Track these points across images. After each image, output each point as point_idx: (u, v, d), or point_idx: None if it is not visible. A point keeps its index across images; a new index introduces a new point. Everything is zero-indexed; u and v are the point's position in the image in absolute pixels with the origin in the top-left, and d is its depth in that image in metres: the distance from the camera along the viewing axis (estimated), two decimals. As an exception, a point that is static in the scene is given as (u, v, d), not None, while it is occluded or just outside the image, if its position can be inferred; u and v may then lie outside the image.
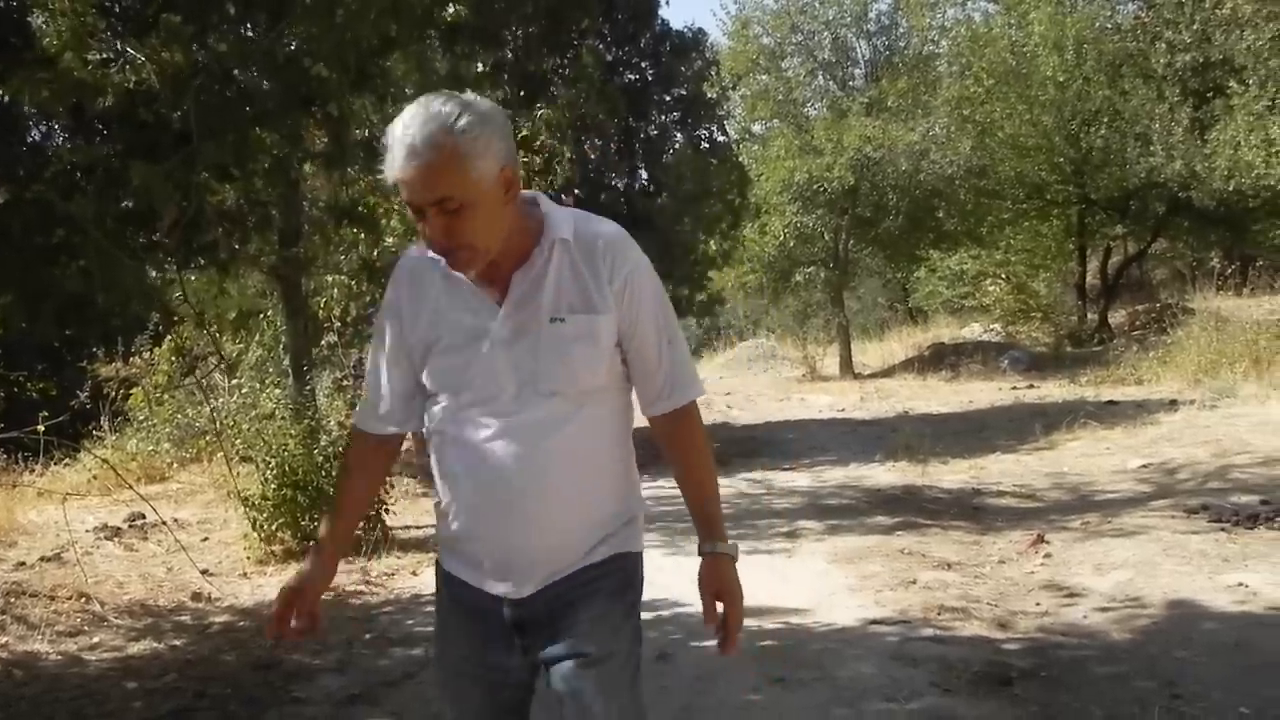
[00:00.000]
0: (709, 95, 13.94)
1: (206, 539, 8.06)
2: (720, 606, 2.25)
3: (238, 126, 4.22)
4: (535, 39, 11.57)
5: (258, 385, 9.40)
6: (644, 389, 2.24)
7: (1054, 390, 15.80)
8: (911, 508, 8.30)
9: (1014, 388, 16.94)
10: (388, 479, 8.20)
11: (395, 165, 1.96)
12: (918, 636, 5.04)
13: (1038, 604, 5.49)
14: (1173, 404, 11.94)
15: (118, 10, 4.76)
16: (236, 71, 4.45)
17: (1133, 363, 15.86)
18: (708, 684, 4.53)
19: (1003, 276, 24.96)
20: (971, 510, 8.12)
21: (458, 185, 1.95)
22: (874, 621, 5.32)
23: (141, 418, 11.68)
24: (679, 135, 13.19)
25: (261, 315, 10.03)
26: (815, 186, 21.63)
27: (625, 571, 2.25)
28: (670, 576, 6.24)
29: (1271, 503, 7.08)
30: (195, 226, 5.10)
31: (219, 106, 4.16)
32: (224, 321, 10.27)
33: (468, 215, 1.98)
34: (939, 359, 21.96)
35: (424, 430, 2.28)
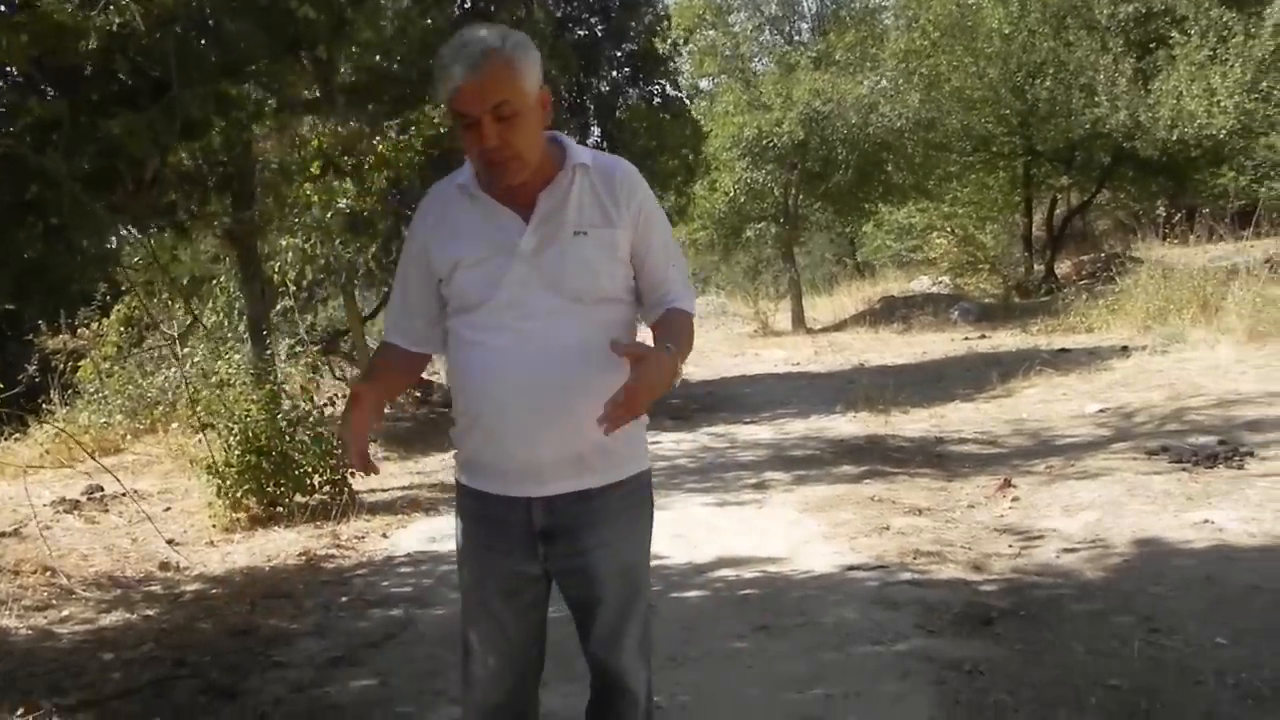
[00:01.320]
0: (660, 50, 13.85)
1: (169, 509, 7.95)
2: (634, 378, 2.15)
3: (224, 73, 4.11)
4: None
5: (215, 352, 9.23)
6: (648, 299, 2.42)
7: (1006, 340, 15.97)
8: (876, 456, 8.37)
9: (966, 338, 17.09)
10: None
11: (455, 78, 2.14)
12: (896, 581, 5.09)
13: (1010, 546, 5.56)
14: (1124, 350, 12.11)
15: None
16: (213, 17, 4.32)
17: (1082, 311, 16.04)
18: (692, 633, 4.55)
19: (950, 229, 25.15)
20: (936, 458, 8.20)
21: (512, 91, 2.16)
22: (851, 567, 5.36)
23: (92, 390, 11.46)
24: (631, 91, 13.11)
25: (214, 281, 9.85)
26: (764, 142, 21.61)
27: (644, 488, 2.49)
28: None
29: (1228, 443, 7.20)
30: (154, 187, 4.98)
31: (199, 54, 4.05)
32: (176, 287, 10.11)
33: (519, 124, 2.18)
34: (890, 312, 22.09)
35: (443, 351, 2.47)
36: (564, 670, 3.41)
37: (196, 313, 10.37)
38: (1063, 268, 23.46)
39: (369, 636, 4.91)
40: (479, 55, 2.14)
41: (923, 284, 25.81)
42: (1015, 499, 6.53)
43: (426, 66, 9.02)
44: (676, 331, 2.35)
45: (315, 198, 9.56)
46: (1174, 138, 18.99)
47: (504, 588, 2.44)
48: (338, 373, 12.67)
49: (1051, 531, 5.75)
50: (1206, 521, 5.53)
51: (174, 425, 11.06)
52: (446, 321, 2.41)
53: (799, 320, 23.33)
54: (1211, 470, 6.65)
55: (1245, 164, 21.47)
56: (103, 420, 10.99)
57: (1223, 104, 18.50)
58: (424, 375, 15.83)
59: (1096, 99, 19.80)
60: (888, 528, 6.08)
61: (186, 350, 11.02)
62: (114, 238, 5.64)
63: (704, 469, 8.50)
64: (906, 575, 5.17)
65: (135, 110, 3.84)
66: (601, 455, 2.35)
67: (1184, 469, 6.73)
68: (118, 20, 3.72)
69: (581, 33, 13.61)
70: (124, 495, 8.01)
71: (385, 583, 5.86)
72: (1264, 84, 18.50)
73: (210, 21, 4.25)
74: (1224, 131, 18.62)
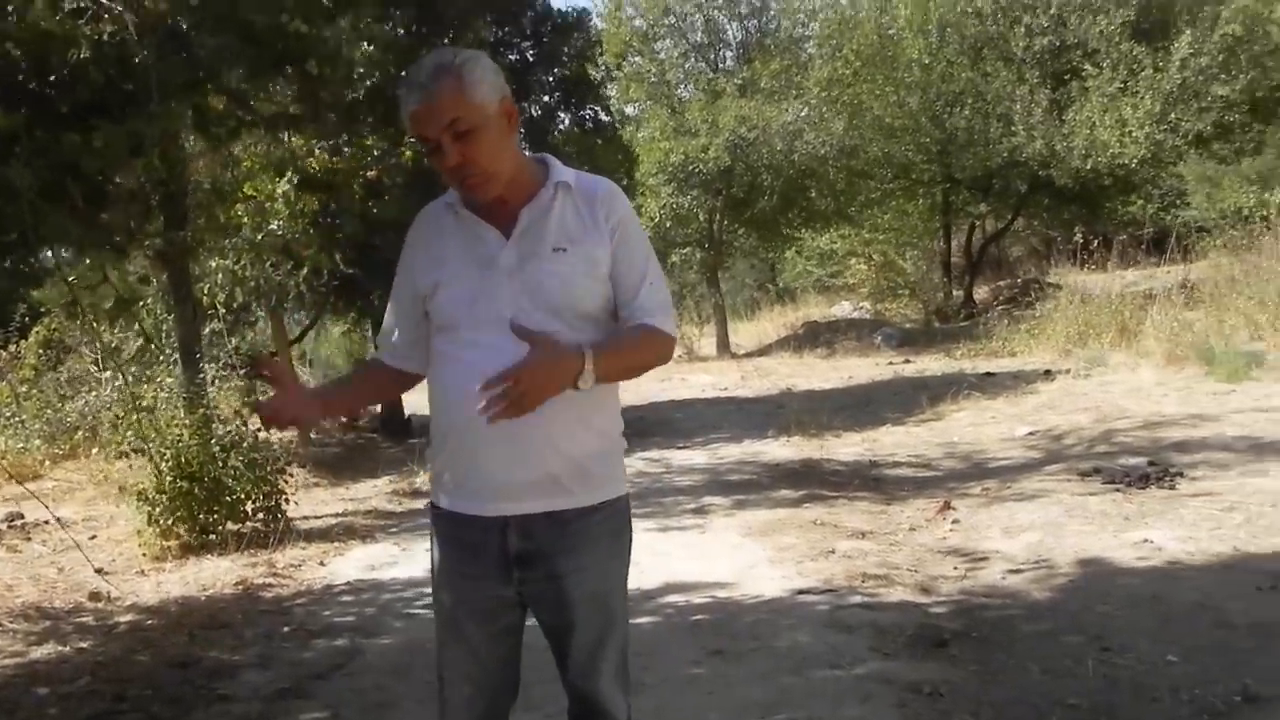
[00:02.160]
0: (592, 76, 13.87)
1: (94, 537, 7.72)
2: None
3: (201, 86, 4.01)
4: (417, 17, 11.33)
5: (143, 375, 9.01)
6: (620, 314, 2.37)
7: (931, 364, 16.20)
8: (814, 480, 8.41)
9: (890, 363, 17.31)
10: (289, 471, 8.00)
11: (409, 103, 2.19)
12: (847, 604, 5.10)
13: (955, 568, 5.61)
14: (1048, 374, 12.35)
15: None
16: (197, 29, 4.20)
17: (1004, 336, 16.34)
18: (649, 659, 4.50)
19: (870, 255, 25.50)
20: (872, 481, 8.26)
21: (464, 108, 2.17)
22: (800, 591, 5.37)
23: (8, 414, 11.12)
24: (563, 116, 13.10)
25: (141, 303, 9.62)
26: (690, 167, 21.74)
27: (621, 514, 2.43)
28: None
29: (1158, 463, 7.36)
30: (100, 204, 4.84)
31: (178, 66, 3.93)
32: (99, 310, 9.85)
33: (477, 139, 2.19)
34: (814, 337, 22.31)
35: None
36: (522, 698, 3.35)
37: (121, 335, 10.09)
38: (980, 293, 23.93)
39: (315, 667, 4.79)
40: (427, 77, 2.18)
41: (844, 309, 26.14)
42: (955, 521, 6.60)
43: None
44: (619, 337, 2.31)
45: (246, 219, 9.40)
46: (1088, 166, 19.50)
47: (478, 612, 2.39)
48: (246, 398, 12.44)
49: (995, 553, 5.81)
50: (1146, 541, 5.63)
51: (94, 451, 10.79)
52: (432, 343, 2.40)
53: (724, 345, 23.45)
54: (1144, 491, 6.78)
55: (1153, 192, 22.16)
56: (20, 445, 10.66)
57: (1134, 134, 19.06)
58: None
59: (1014, 128, 20.27)
60: (833, 551, 6.10)
61: (108, 374, 10.76)
62: (50, 255, 5.45)
63: (642, 494, 8.46)
64: (856, 598, 5.18)
65: (98, 124, 3.71)
66: (578, 477, 2.31)
67: (1118, 490, 6.86)
68: (109, 30, 3.60)
69: (513, 57, 13.58)
70: (47, 523, 7.78)
71: (327, 612, 5.73)
72: (1172, 115, 19.09)
73: (192, 33, 4.12)
74: (1135, 161, 19.17)
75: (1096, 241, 16.44)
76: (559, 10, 13.72)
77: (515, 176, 2.30)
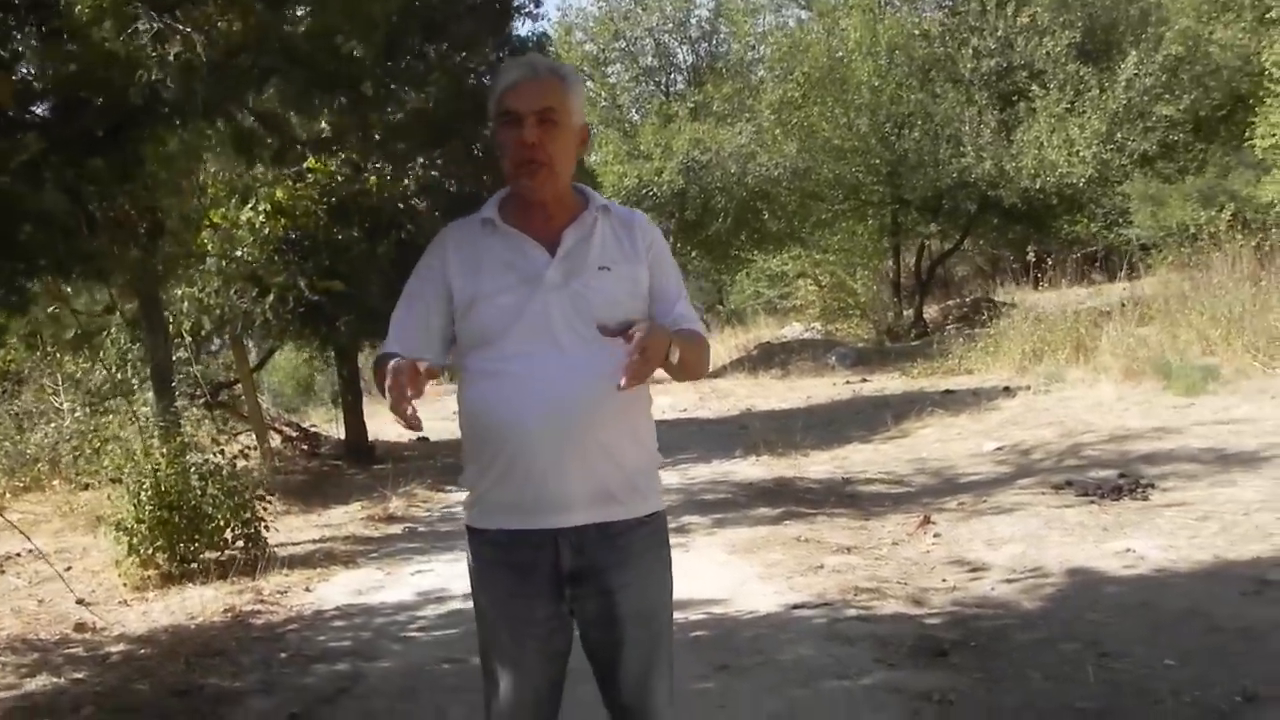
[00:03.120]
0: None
1: (69, 568, 7.59)
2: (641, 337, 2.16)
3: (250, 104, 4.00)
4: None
5: (107, 406, 8.91)
6: (665, 324, 2.38)
7: (888, 383, 16.40)
8: (789, 498, 8.49)
9: (848, 382, 17.49)
10: (268, 498, 7.95)
11: (513, 75, 2.30)
12: (843, 617, 5.18)
13: (944, 580, 5.71)
14: (1007, 390, 12.55)
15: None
16: (254, 51, 4.18)
17: (960, 354, 16.56)
18: (656, 676, 4.54)
19: (819, 277, 25.76)
20: (848, 498, 8.36)
21: (560, 102, 2.29)
22: (795, 606, 5.44)
23: (-34, 447, 10.94)
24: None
25: (105, 333, 9.53)
26: (644, 191, 21.88)
27: (663, 529, 2.50)
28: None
29: (1128, 475, 7.54)
30: (93, 231, 4.81)
31: (218, 85, 3.91)
32: (60, 340, 9.76)
33: (557, 134, 2.28)
34: (768, 358, 22.48)
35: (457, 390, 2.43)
36: None
37: (85, 365, 9.98)
38: (930, 312, 24.25)
39: (320, 692, 4.77)
40: (540, 66, 2.32)
41: (795, 330, 26.35)
42: (936, 535, 6.71)
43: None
44: (686, 334, 2.35)
45: (211, 246, 9.35)
46: (1037, 186, 19.88)
47: (535, 634, 2.38)
48: (220, 425, 12.33)
49: (981, 565, 5.92)
50: (1128, 550, 5.77)
51: (56, 482, 10.64)
52: (461, 361, 2.41)
53: (679, 366, 23.47)
54: (1118, 502, 6.94)
55: (1096, 211, 22.63)
56: (-22, 479, 10.49)
57: (1081, 154, 19.47)
58: (305, 425, 15.51)
59: (963, 149, 20.62)
60: (821, 566, 6.18)
61: (66, 404, 10.62)
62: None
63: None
64: (851, 612, 5.26)
65: (128, 143, 3.70)
66: (627, 488, 2.36)
67: (1092, 502, 7.02)
68: (175, 51, 3.58)
69: (471, 81, 13.59)
70: (18, 555, 7.66)
71: (321, 637, 5.71)
72: (1119, 135, 19.54)
73: (240, 55, 4.10)
74: (1083, 180, 19.59)
75: (1049, 259, 16.75)
76: (520, 35, 13.75)
77: (563, 195, 2.40)
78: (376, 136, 5.87)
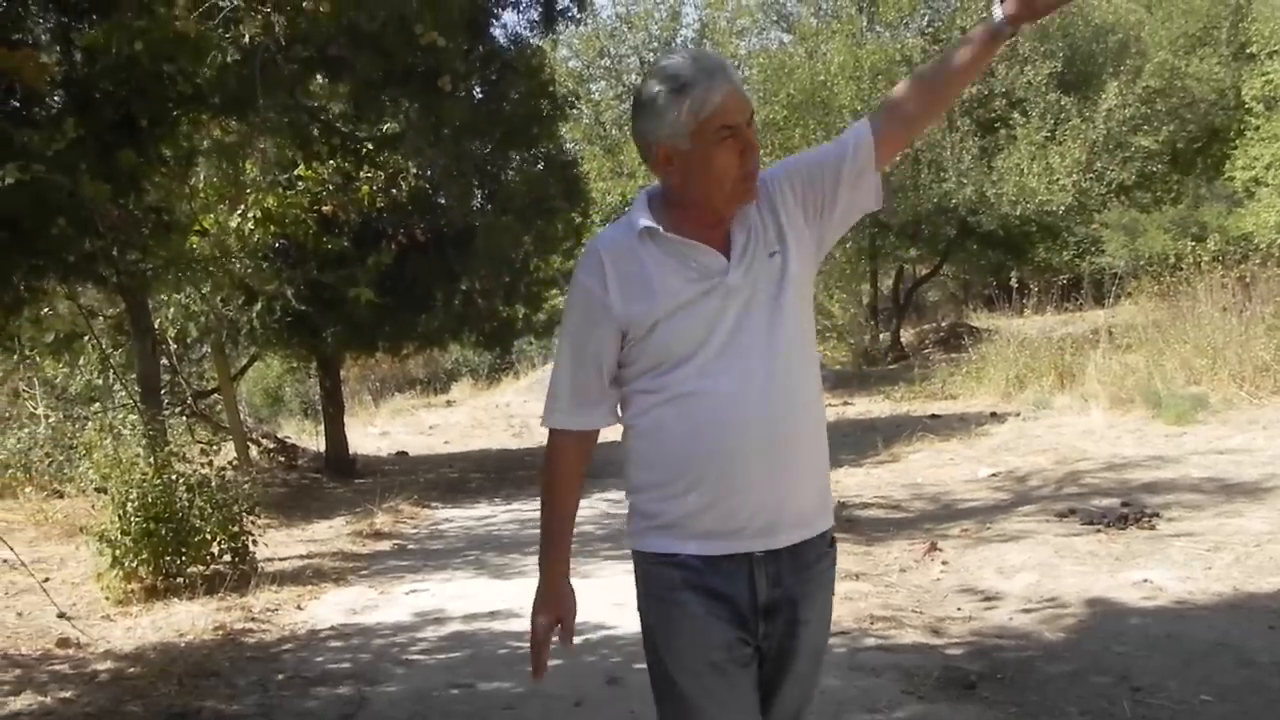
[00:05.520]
0: (545, 111, 13.79)
1: (48, 579, 7.36)
2: None
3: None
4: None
5: (88, 413, 8.69)
6: (882, 116, 2.30)
7: (872, 406, 16.34)
8: (786, 522, 8.36)
9: (830, 405, 17.39)
10: (257, 512, 7.76)
11: (722, 84, 2.07)
12: (863, 647, 5.06)
13: (959, 609, 5.60)
14: (994, 416, 12.53)
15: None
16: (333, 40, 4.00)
17: (942, 378, 16.54)
18: (678, 705, 4.40)
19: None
20: (847, 522, 8.23)
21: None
22: (811, 634, 5.30)
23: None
24: (515, 153, 13.00)
25: (88, 338, 9.30)
26: (627, 209, 21.72)
27: (834, 549, 2.33)
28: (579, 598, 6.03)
29: (1131, 504, 7.47)
30: (80, 234, 4.64)
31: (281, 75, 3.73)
32: (40, 344, 9.53)
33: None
34: (746, 378, 22.36)
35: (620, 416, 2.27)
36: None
37: (64, 370, 9.75)
38: (906, 336, 24.26)
39: (323, 717, 4.61)
40: (731, 70, 2.12)
41: (772, 351, 26.25)
42: (945, 563, 6.61)
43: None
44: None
45: (201, 251, 9.15)
46: (1017, 213, 19.94)
47: (742, 668, 2.17)
48: (209, 435, 12.10)
49: (996, 594, 5.82)
50: (1146, 581, 5.68)
51: (28, 490, 10.40)
52: (631, 385, 2.21)
53: (656, 385, 23.40)
54: (1125, 532, 6.86)
55: (1069, 239, 22.76)
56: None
57: (1061, 182, 19.55)
58: (282, 437, 15.25)
59: (944, 175, 20.65)
60: (833, 593, 6.04)
61: (41, 410, 10.38)
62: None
63: (614, 536, 8.34)
64: (870, 641, 5.14)
65: (154, 138, 3.52)
66: (821, 502, 2.24)
67: (1099, 531, 6.94)
68: (250, 33, 3.40)
69: (460, 94, 13.47)
70: (20, 564, 7.42)
71: (319, 658, 5.52)
72: (1098, 164, 19.65)
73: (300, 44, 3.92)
74: (1062, 208, 19.67)
75: (1034, 287, 16.78)
76: (503, 46, 13.60)
77: None
78: (445, 132, 5.70)
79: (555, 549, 2.31)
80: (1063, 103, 20.07)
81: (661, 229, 2.14)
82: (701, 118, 2.08)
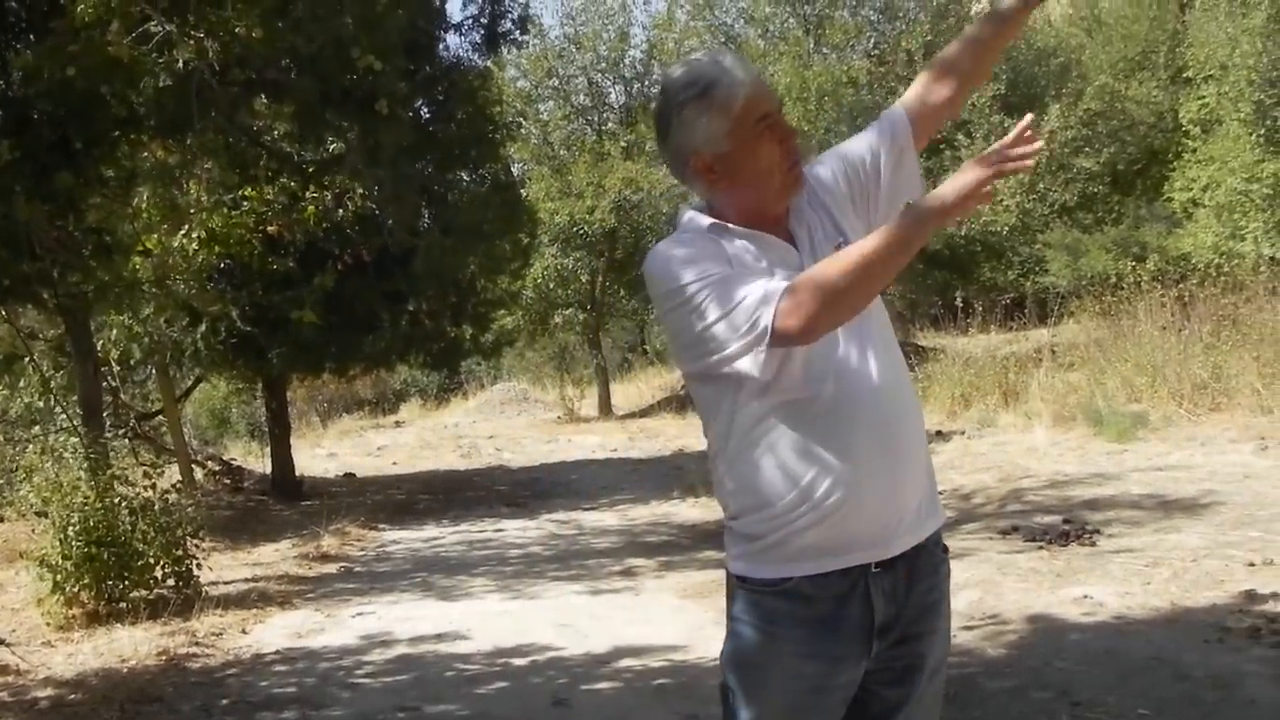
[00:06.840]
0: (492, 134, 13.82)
1: (-15, 606, 7.26)
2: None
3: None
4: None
5: (25, 436, 8.56)
6: (904, 120, 2.24)
7: (819, 424, 16.40)
8: (734, 541, 8.40)
9: (778, 423, 17.47)
10: (201, 535, 7.67)
11: (742, 79, 2.00)
12: (808, 664, 5.08)
13: (904, 626, 5.65)
14: (940, 434, 12.64)
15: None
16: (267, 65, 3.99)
17: (889, 397, 16.63)
18: (624, 726, 4.42)
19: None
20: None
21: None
22: (757, 653, 5.33)
23: None
24: (462, 174, 13.02)
25: (27, 360, 9.17)
26: (575, 229, 21.83)
27: (949, 558, 2.18)
28: (518, 621, 6.05)
29: (1073, 522, 7.58)
30: (17, 257, 4.59)
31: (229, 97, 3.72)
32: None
33: None
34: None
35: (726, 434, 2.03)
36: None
37: (5, 392, 9.60)
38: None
39: (268, 743, 4.57)
40: (750, 66, 2.05)
41: (721, 370, 26.34)
42: (890, 579, 6.66)
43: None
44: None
45: (143, 272, 9.07)
46: (962, 233, 20.24)
47: (822, 706, 2.04)
48: (141, 457, 11.95)
49: (939, 611, 5.87)
50: (1086, 597, 5.77)
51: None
52: (725, 396, 2.00)
53: (605, 407, 23.46)
54: (1066, 548, 6.96)
55: (1013, 259, 23.12)
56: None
57: (1005, 203, 19.88)
58: (228, 459, 15.08)
59: (891, 195, 20.90)
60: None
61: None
62: None
63: (561, 556, 8.36)
64: (816, 658, 5.17)
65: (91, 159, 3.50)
66: (932, 498, 2.11)
67: (1041, 548, 7.03)
68: (184, 57, 3.37)
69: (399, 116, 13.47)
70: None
71: (263, 683, 5.48)
72: (1041, 185, 19.99)
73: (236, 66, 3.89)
74: (1006, 228, 19.99)
75: (980, 306, 17.00)
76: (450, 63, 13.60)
77: None
78: (385, 155, 5.69)
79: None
80: (1006, 124, 20.37)
81: (726, 224, 2.04)
82: (735, 113, 1.99)
